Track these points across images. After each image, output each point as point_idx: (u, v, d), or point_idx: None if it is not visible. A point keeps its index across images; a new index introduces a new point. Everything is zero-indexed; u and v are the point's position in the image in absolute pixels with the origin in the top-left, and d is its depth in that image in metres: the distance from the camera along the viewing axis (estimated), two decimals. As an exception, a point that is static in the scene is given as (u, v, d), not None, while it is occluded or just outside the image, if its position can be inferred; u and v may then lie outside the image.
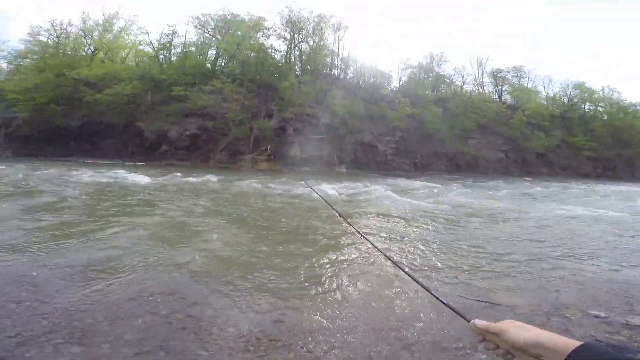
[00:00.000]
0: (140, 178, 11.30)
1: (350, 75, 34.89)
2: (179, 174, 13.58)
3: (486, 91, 39.18)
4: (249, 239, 4.63)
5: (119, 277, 3.04)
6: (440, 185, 13.78)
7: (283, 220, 6.07)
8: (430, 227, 5.80)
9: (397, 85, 37.10)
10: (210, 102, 24.19)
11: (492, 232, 5.68)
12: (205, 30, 31.41)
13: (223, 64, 30.99)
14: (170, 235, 4.63)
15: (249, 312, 2.52)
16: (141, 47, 32.38)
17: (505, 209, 8.35)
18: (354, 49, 56.10)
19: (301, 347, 2.10)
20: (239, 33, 29.12)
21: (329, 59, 33.92)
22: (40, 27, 28.82)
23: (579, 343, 0.60)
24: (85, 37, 30.76)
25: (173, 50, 31.61)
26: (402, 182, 15.52)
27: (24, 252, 3.63)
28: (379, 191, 10.55)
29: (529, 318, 2.60)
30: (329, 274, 3.37)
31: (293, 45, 32.33)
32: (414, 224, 6.08)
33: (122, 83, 24.89)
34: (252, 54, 29.58)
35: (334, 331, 2.30)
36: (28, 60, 28.83)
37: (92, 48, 30.92)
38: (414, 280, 0.99)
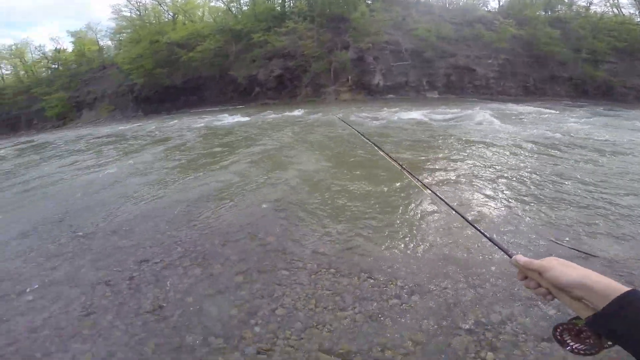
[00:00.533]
0: (239, 119, 13.05)
1: None
2: (270, 112, 14.97)
3: (625, 13, 30.47)
4: (329, 166, 5.16)
5: (227, 205, 3.98)
6: (556, 112, 11.65)
7: (359, 149, 6.33)
8: (532, 158, 5.31)
9: (496, 7, 32.37)
10: (287, 43, 24.70)
11: (609, 170, 4.86)
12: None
13: (291, 4, 30.36)
14: (265, 166, 5.49)
15: (325, 238, 3.05)
16: (212, 4, 33.73)
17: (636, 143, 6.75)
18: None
19: (366, 274, 2.53)
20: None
21: None
22: (119, 4, 32.18)
23: (626, 288, 0.55)
24: (160, 5, 32.99)
25: (242, 1, 31.93)
26: (509, 107, 13.64)
27: (164, 188, 4.89)
28: (480, 116, 9.67)
29: (629, 276, 2.35)
30: (396, 205, 3.64)
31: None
32: (514, 153, 5.64)
33: (207, 39, 26.83)
34: None
35: (397, 262, 2.66)
36: (124, 34, 33.09)
37: (170, 13, 33.23)
38: (461, 216, 0.94)
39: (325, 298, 2.32)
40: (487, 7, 31.48)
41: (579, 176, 4.50)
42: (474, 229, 0.88)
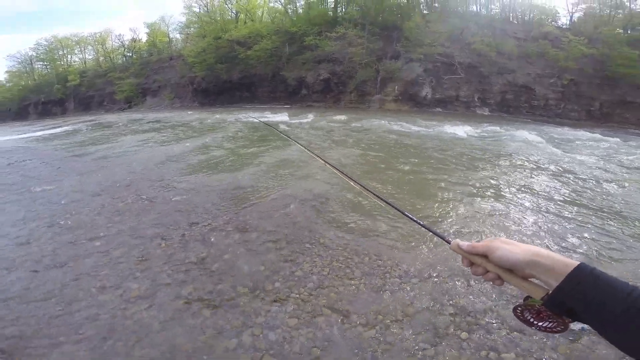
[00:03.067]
0: (284, 117, 13.93)
1: (496, 10, 29.45)
2: (313, 114, 15.80)
3: None
4: (364, 167, 5.52)
5: (269, 188, 4.61)
6: (619, 140, 10.37)
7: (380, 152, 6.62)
8: (567, 187, 5.12)
9: (567, 23, 29.70)
10: (336, 48, 25.35)
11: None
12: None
13: (343, 10, 30.91)
14: (301, 162, 6.00)
15: (347, 225, 3.46)
16: (272, 5, 35.37)
17: None
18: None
19: (376, 257, 2.90)
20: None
21: None
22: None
23: (574, 262, 0.54)
24: (226, 3, 35.35)
25: (298, 4, 33.28)
26: (566, 131, 12.72)
27: (216, 168, 5.58)
28: (524, 137, 9.40)
29: None
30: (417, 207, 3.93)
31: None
32: (551, 178, 5.49)
33: (264, 39, 28.47)
34: None
35: (407, 251, 2.99)
36: (192, 29, 35.90)
37: (233, 11, 35.44)
38: (398, 210, 0.90)
39: (337, 269, 2.72)
40: (556, 22, 29.05)
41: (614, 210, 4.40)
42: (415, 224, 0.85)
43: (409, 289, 2.49)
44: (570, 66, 21.99)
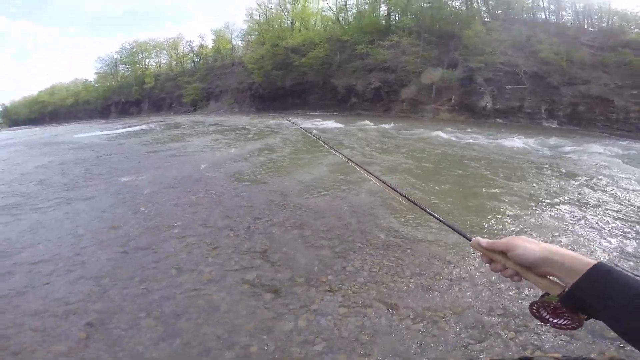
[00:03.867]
0: (332, 124, 14.27)
1: (567, 17, 27.08)
2: (365, 122, 16.01)
3: None
4: (415, 174, 5.62)
5: (325, 192, 5.01)
6: None
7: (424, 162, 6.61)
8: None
9: None
10: (389, 57, 25.30)
11: None
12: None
13: (397, 19, 30.76)
14: (350, 169, 6.27)
15: (398, 227, 3.63)
16: (324, 13, 36.34)
17: None
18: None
19: (425, 259, 3.05)
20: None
21: (529, 1, 27.20)
22: (252, 7, 37.10)
23: (593, 261, 0.55)
24: (282, 11, 37.06)
25: (350, 12, 33.90)
26: None
27: (277, 170, 6.07)
28: (597, 151, 8.73)
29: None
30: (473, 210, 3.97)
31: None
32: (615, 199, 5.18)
33: (317, 47, 29.45)
34: (426, 4, 27.66)
35: (457, 255, 3.09)
36: (252, 36, 38.12)
37: (289, 19, 36.95)
38: (417, 205, 0.92)
39: (388, 267, 2.92)
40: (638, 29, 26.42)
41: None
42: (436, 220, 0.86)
43: (458, 290, 2.60)
44: None
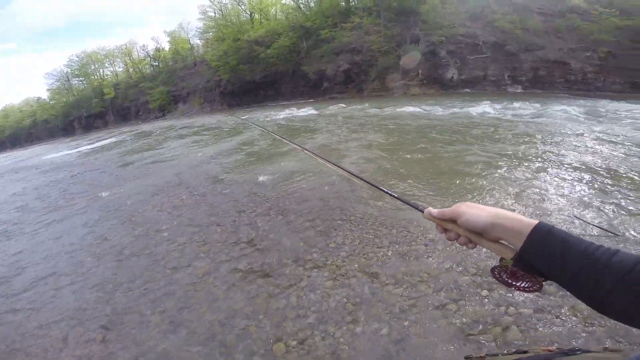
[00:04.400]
0: (308, 111, 14.48)
1: None
2: (340, 105, 16.25)
3: None
4: (385, 152, 5.91)
5: (304, 177, 5.19)
6: None
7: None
8: (598, 156, 5.30)
9: None
10: (352, 38, 25.46)
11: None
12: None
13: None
14: (334, 151, 6.52)
15: (374, 203, 3.91)
16: (284, 2, 35.52)
17: None
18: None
19: (403, 228, 3.33)
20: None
21: None
22: (204, 4, 36.04)
23: (533, 221, 0.56)
24: (239, 5, 36.16)
25: None
26: (606, 104, 12.03)
27: (254, 163, 6.23)
28: (558, 110, 9.25)
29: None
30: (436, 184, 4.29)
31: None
32: (581, 149, 5.62)
33: (281, 36, 29.04)
34: None
35: (430, 222, 3.39)
36: (210, 33, 37.08)
37: (247, 12, 36.20)
38: (367, 182, 0.93)
39: (367, 239, 3.19)
40: None
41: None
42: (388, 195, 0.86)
43: (433, 254, 2.89)
44: (605, 39, 20.76)
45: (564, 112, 9.41)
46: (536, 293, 0.66)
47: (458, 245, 2.87)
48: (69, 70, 50.70)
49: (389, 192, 0.85)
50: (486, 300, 2.31)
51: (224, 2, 36.60)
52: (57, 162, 14.79)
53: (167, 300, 2.88)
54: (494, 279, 0.62)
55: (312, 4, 33.22)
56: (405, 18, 25.39)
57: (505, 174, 4.60)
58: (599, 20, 21.41)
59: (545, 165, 4.85)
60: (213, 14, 37.33)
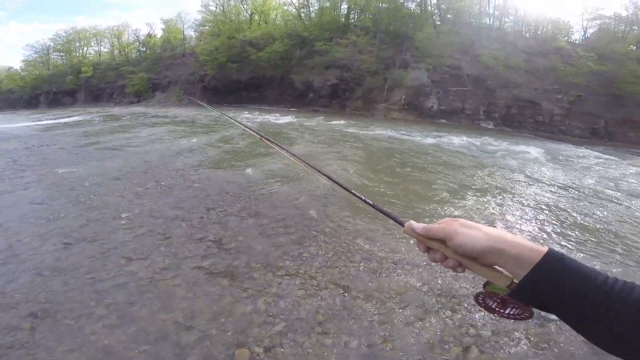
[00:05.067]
0: (288, 119, 14.52)
1: (509, 24, 29.83)
2: (320, 118, 16.13)
3: None
4: (362, 169, 5.88)
5: (282, 182, 5.02)
6: (618, 159, 10.61)
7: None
8: (552, 200, 5.58)
9: (580, 38, 29.60)
10: (345, 54, 25.92)
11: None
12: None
13: (355, 17, 31.73)
14: (319, 161, 6.39)
15: (350, 218, 3.81)
16: (286, 8, 36.09)
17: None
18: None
19: (375, 245, 3.25)
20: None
21: (477, 7, 29.52)
22: None
23: (545, 248, 0.49)
24: (242, 3, 36.16)
25: (311, 8, 34.24)
26: (567, 148, 12.94)
27: (229, 161, 5.95)
28: (521, 150, 9.80)
29: None
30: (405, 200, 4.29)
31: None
32: (539, 192, 5.90)
33: (276, 42, 29.12)
34: (383, 5, 28.88)
35: (402, 241, 3.34)
36: (207, 27, 36.64)
37: (248, 12, 36.26)
38: (347, 189, 0.88)
39: (340, 252, 3.08)
40: (569, 37, 28.88)
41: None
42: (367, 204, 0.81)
43: (402, 272, 2.84)
44: (579, 82, 21.47)
45: (527, 153, 10.02)
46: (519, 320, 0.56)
47: (424, 265, 2.88)
48: (52, 44, 48.11)
49: (369, 202, 0.80)
50: (449, 320, 2.34)
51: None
52: (12, 133, 13.55)
53: (117, 292, 2.58)
54: (477, 305, 0.57)
55: (313, 15, 33.77)
56: (400, 42, 26.18)
57: (463, 202, 4.73)
58: (577, 63, 22.28)
59: (498, 200, 5.06)
60: (214, 9, 36.92)
